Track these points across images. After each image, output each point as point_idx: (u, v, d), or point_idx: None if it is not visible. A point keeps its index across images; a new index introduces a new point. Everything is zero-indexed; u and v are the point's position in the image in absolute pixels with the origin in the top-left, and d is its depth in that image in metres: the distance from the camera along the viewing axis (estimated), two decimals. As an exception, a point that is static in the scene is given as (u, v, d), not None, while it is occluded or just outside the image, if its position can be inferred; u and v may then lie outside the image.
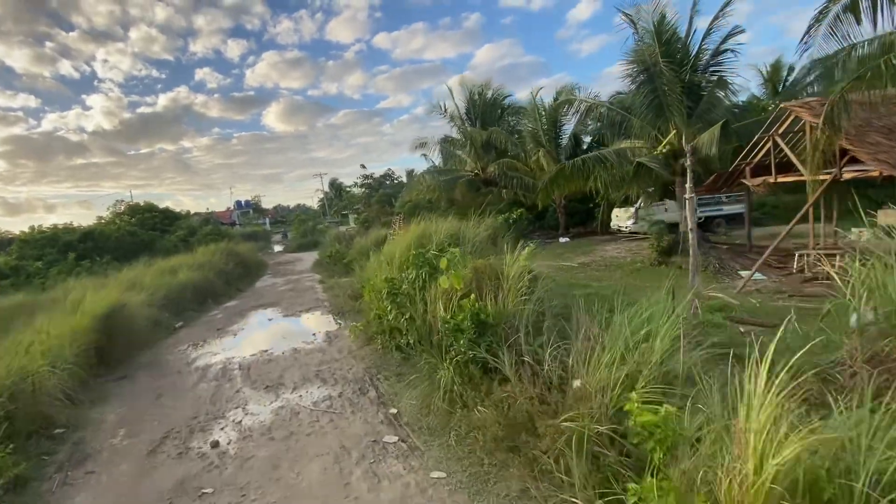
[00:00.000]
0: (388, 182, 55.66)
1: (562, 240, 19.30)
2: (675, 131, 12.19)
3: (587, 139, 21.32)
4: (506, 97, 25.43)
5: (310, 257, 24.87)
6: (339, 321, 9.70)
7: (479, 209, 22.75)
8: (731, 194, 17.15)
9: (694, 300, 6.19)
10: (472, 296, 5.10)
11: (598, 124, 17.16)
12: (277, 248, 39.60)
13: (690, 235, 7.76)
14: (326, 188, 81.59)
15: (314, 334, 8.92)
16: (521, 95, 56.62)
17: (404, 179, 59.22)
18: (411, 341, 6.27)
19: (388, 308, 6.93)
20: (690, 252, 7.94)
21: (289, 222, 75.45)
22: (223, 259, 16.98)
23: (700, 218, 17.53)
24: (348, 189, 73.68)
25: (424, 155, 44.46)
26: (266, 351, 8.04)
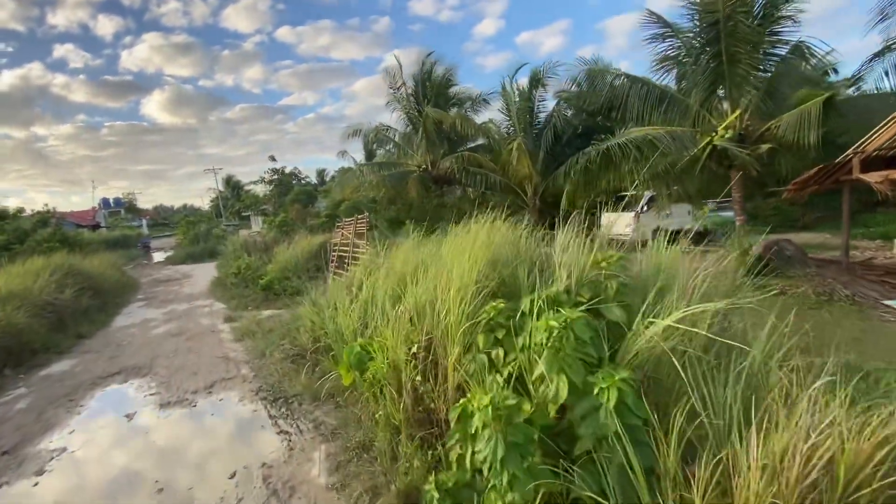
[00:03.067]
0: (294, 182, 48.65)
1: (544, 250, 15.78)
2: (738, 111, 9.15)
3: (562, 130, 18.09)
4: (452, 85, 21.35)
5: (204, 272, 18.45)
6: (287, 425, 4.80)
7: (433, 212, 18.50)
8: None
9: None
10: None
11: (597, 108, 14.02)
12: (159, 256, 31.21)
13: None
14: (221, 186, 71.08)
15: (235, 477, 3.97)
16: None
17: (313, 180, 52.56)
18: None
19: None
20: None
21: (173, 224, 63.52)
22: (57, 282, 10.57)
23: (704, 225, 15.22)
24: (248, 188, 64.46)
25: (343, 152, 39.27)
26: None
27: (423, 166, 20.36)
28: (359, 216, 9.85)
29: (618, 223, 14.23)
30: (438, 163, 19.84)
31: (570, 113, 16.52)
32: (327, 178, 56.26)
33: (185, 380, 6.43)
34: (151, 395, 6.00)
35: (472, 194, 17.21)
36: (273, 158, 35.74)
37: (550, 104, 16.73)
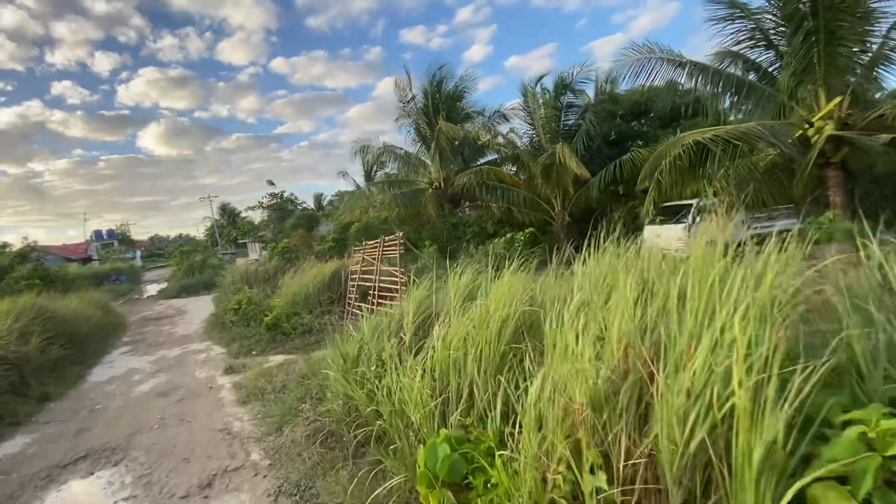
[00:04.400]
0: (290, 207, 47.03)
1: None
2: (839, 98, 7.66)
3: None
4: (462, 98, 19.91)
5: (200, 307, 16.65)
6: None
7: (450, 231, 16.89)
8: (778, 206, 13.62)
9: None
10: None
11: (641, 108, 12.58)
12: (152, 289, 29.26)
13: None
14: (216, 215, 69.54)
15: None
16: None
17: (310, 206, 50.93)
18: None
19: None
20: None
21: (168, 255, 61.59)
22: (21, 330, 8.77)
23: (753, 237, 13.64)
24: (244, 215, 62.83)
25: (344, 174, 37.83)
26: None
27: (436, 184, 18.88)
28: (386, 237, 8.19)
29: (665, 236, 12.68)
30: (453, 179, 18.35)
31: (599, 118, 15.09)
32: (325, 203, 54.89)
33: (172, 470, 4.63)
34: (124, 501, 4.19)
35: (496, 210, 15.59)
36: (271, 183, 34.26)
37: (578, 109, 15.35)
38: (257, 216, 43.73)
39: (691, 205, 12.93)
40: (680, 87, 15.69)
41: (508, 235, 13.30)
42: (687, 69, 9.62)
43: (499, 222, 15.98)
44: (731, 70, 9.20)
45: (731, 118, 9.70)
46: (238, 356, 8.87)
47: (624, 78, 10.54)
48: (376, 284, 7.97)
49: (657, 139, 14.93)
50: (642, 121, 14.84)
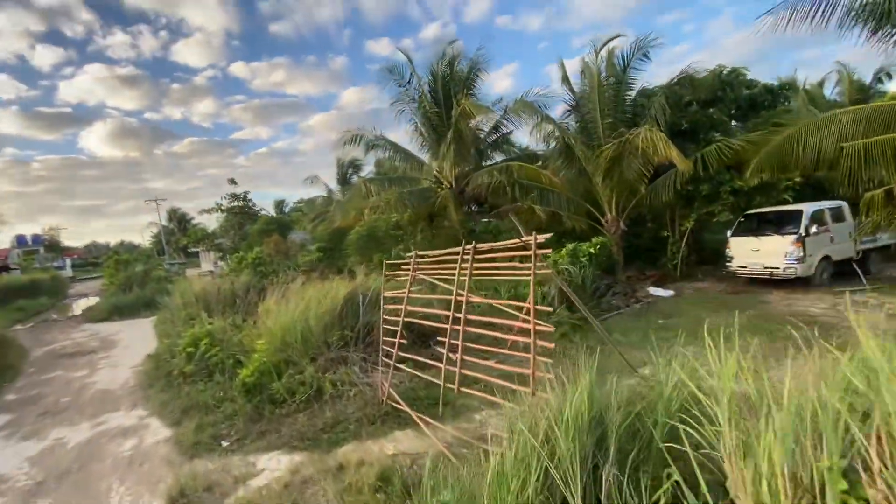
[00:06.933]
0: (251, 212, 41.92)
1: (657, 291, 10.99)
2: None
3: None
4: (476, 81, 16.65)
5: (136, 337, 12.30)
6: None
7: (471, 239, 13.43)
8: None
9: None
10: None
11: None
12: (80, 305, 23.80)
13: None
14: (164, 220, 62.68)
15: None
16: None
17: (270, 212, 45.84)
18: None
19: None
20: None
21: (104, 264, 54.28)
22: None
23: (858, 252, 11.11)
24: (196, 222, 56.59)
25: (314, 178, 33.57)
26: None
27: (447, 182, 15.43)
28: (502, 242, 4.58)
29: (765, 251, 9.76)
30: (471, 177, 14.97)
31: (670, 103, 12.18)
32: (287, 210, 49.87)
33: None
34: None
35: (541, 214, 12.29)
36: (233, 181, 29.59)
37: (639, 92, 12.42)
38: (212, 222, 38.34)
39: (800, 212, 10.21)
40: (746, 74, 13.21)
41: (570, 246, 10.02)
42: None
43: (538, 230, 12.71)
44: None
45: None
46: (196, 452, 4.98)
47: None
48: (462, 328, 4.42)
49: (730, 132, 12.26)
50: (714, 109, 12.13)
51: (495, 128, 16.01)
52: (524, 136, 37.91)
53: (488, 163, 16.66)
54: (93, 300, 25.02)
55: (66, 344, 12.89)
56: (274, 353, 6.79)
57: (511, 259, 4.73)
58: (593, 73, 11.73)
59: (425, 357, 5.58)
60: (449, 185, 15.39)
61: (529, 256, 4.38)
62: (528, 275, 4.05)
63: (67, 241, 75.75)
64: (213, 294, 11.15)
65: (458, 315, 4.55)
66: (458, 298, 4.59)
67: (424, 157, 16.68)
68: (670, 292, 10.85)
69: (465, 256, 4.63)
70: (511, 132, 15.86)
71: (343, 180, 35.15)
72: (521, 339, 4.00)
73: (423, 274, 5.44)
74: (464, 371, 4.41)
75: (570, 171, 12.69)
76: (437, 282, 5.34)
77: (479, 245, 4.55)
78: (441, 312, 5.09)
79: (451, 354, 4.66)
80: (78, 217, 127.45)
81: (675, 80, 11.81)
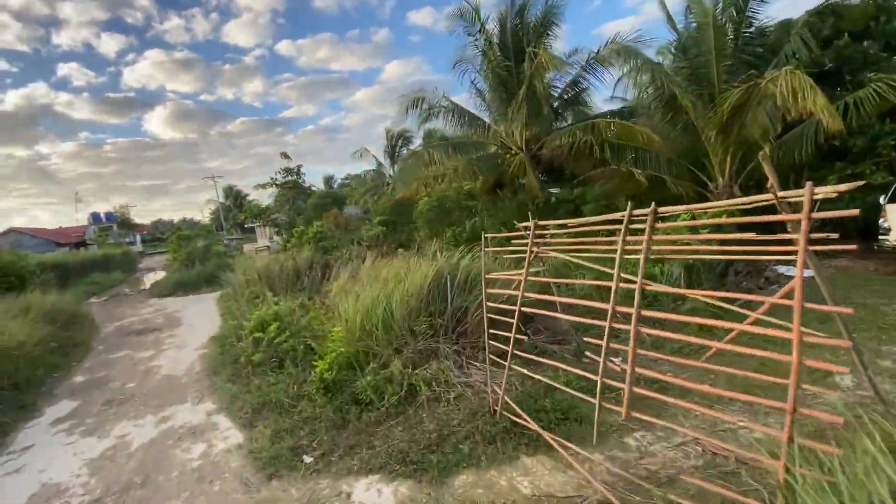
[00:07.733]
0: (304, 187, 41.85)
1: (786, 269, 9.13)
2: None
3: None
4: (550, 31, 14.62)
5: (199, 314, 11.95)
6: None
7: (548, 211, 11.87)
8: None
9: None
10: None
11: None
12: (151, 278, 24.60)
13: None
14: (221, 197, 64.80)
15: None
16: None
17: (321, 187, 45.55)
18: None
19: None
20: None
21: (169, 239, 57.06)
22: None
23: None
24: (251, 198, 57.92)
25: (363, 151, 32.63)
26: None
27: (518, 146, 13.82)
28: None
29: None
30: (545, 140, 13.31)
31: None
32: (335, 186, 49.72)
33: None
34: None
35: (641, 178, 10.54)
36: (286, 156, 29.20)
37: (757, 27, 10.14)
38: (266, 197, 38.59)
39: None
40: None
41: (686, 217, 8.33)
42: None
43: (631, 198, 11.02)
44: None
45: None
46: (275, 470, 4.04)
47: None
48: (634, 327, 3.07)
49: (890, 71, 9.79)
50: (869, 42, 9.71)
51: (574, 83, 14.10)
52: (597, 95, 34.38)
53: (562, 125, 14.87)
54: (160, 274, 25.81)
55: (133, 320, 12.78)
56: (351, 343, 5.79)
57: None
58: (706, 7, 9.59)
59: (546, 357, 4.31)
60: (519, 150, 13.81)
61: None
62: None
63: (136, 218, 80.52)
64: (276, 271, 10.39)
65: (620, 309, 3.23)
66: (626, 285, 3.26)
67: (488, 119, 15.11)
68: (809, 272, 8.92)
69: (634, 225, 3.25)
70: (587, 88, 13.90)
71: (393, 153, 34.00)
72: (744, 349, 2.61)
73: (554, 250, 4.13)
74: (634, 389, 3.11)
75: (674, 129, 10.75)
76: (579, 260, 4.01)
77: (660, 209, 3.14)
78: (580, 302, 3.76)
79: (614, 363, 3.35)
80: (144, 195, 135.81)
81: (817, 8, 9.46)
